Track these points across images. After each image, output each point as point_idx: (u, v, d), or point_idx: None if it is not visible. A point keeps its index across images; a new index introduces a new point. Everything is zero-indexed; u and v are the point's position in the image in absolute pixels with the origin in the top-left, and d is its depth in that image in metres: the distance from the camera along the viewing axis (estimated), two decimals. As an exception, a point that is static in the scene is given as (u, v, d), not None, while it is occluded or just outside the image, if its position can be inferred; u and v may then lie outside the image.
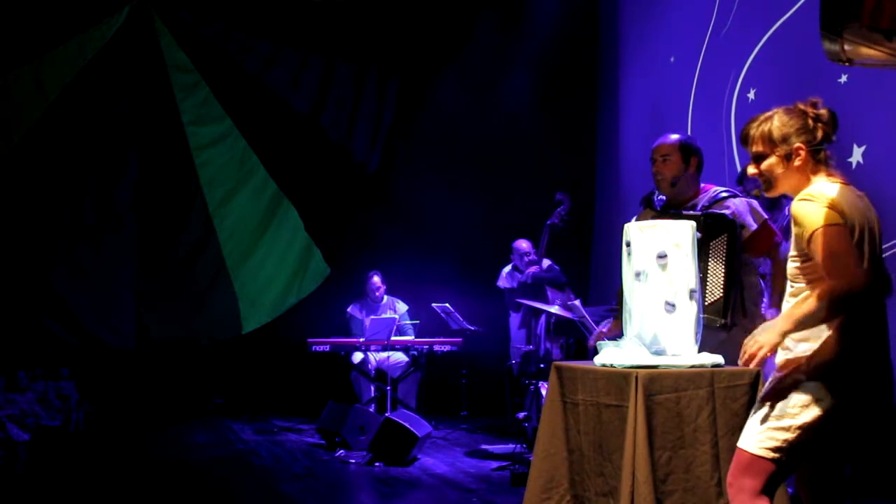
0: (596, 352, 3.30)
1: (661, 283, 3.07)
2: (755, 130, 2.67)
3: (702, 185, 3.86)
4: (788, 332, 2.47)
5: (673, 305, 3.07)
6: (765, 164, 2.66)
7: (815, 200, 2.47)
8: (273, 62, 9.13)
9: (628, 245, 3.16)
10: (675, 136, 3.93)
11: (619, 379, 3.05)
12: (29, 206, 8.51)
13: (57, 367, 8.13)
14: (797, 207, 2.50)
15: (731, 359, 3.01)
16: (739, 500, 2.50)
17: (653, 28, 7.78)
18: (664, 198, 3.87)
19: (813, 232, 2.43)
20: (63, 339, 8.52)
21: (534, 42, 8.62)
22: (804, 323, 2.43)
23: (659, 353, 3.08)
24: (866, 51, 2.54)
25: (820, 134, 2.65)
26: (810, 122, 2.65)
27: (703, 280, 3.37)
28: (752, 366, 2.53)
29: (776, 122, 2.66)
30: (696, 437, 2.99)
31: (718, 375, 3.07)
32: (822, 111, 2.68)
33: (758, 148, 2.67)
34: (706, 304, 3.41)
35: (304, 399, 8.47)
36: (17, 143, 8.48)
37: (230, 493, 5.22)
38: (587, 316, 4.89)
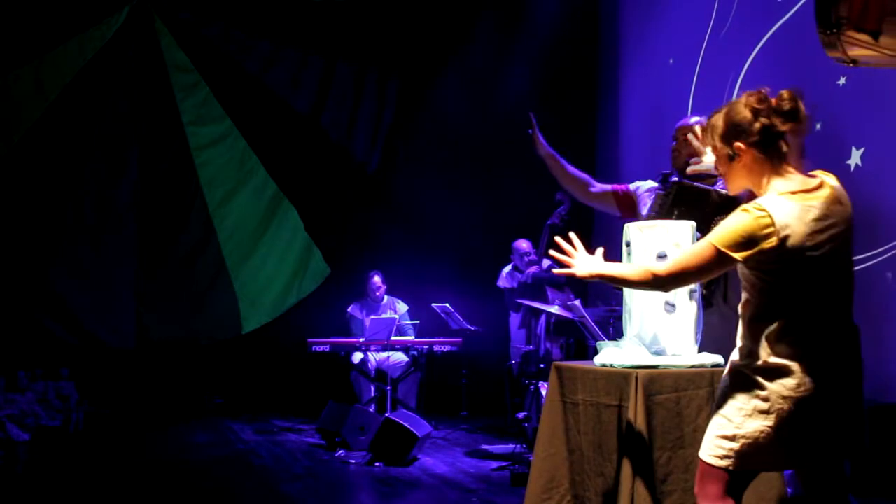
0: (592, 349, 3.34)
1: None
2: (708, 122, 2.56)
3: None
4: (603, 276, 2.67)
5: (673, 305, 3.08)
6: (717, 164, 2.58)
7: (745, 218, 2.38)
8: (273, 62, 9.13)
9: (628, 245, 3.17)
10: (697, 118, 3.94)
11: (619, 379, 3.06)
12: (29, 206, 8.52)
13: (57, 367, 8.14)
14: (733, 214, 2.43)
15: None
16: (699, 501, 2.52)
17: (652, 28, 7.79)
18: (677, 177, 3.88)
19: (710, 240, 2.42)
20: (63, 339, 8.52)
21: (534, 42, 8.63)
22: (617, 279, 2.67)
23: (659, 353, 3.09)
24: (860, 52, 2.55)
25: (758, 126, 2.42)
26: (749, 115, 2.44)
27: None
28: (554, 270, 2.79)
29: (722, 116, 2.50)
30: (696, 437, 2.99)
31: (718, 375, 3.07)
32: (773, 100, 2.44)
33: (706, 143, 2.59)
34: None
35: (304, 399, 8.48)
36: (17, 143, 8.49)
37: (230, 493, 5.22)
38: (587, 316, 4.89)
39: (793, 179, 2.44)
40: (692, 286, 3.07)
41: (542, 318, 6.35)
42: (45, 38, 8.43)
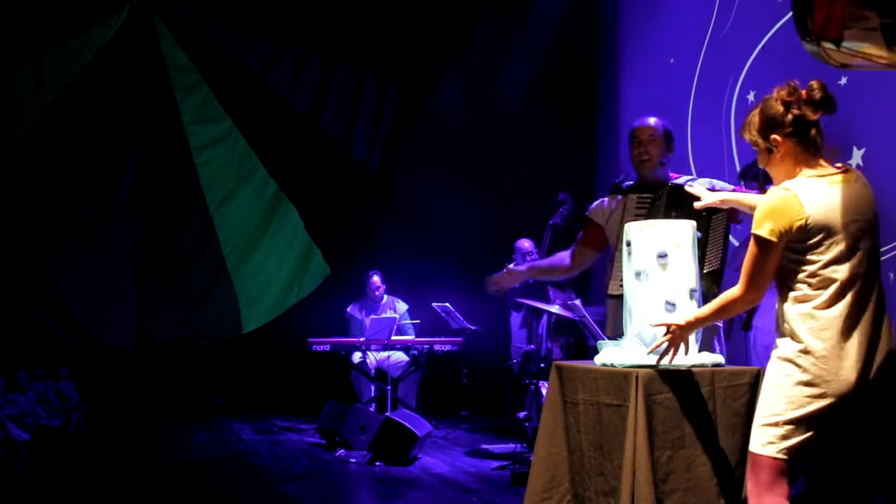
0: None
1: (661, 282, 3.08)
2: (745, 121, 2.68)
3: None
4: (700, 322, 2.77)
5: (673, 305, 3.08)
6: (759, 159, 2.69)
7: (772, 199, 2.54)
8: (273, 62, 9.13)
9: (629, 245, 3.17)
10: (655, 119, 3.94)
11: (620, 378, 3.06)
12: (29, 205, 8.52)
13: (57, 367, 8.14)
14: (763, 197, 2.62)
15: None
16: (752, 496, 2.57)
17: (653, 29, 7.79)
18: (631, 182, 3.90)
19: (751, 231, 2.56)
20: (63, 339, 8.52)
21: (534, 42, 8.63)
22: (713, 318, 2.77)
23: (659, 352, 3.09)
24: (846, 58, 2.57)
25: (790, 118, 2.55)
26: (781, 108, 2.57)
27: (703, 247, 3.44)
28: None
29: (757, 113, 2.63)
30: (697, 437, 2.99)
31: (718, 375, 3.08)
32: (803, 92, 2.57)
33: (747, 139, 2.68)
34: (704, 272, 3.44)
35: (304, 399, 8.48)
36: (18, 142, 8.48)
37: (230, 493, 5.22)
38: (587, 316, 4.89)
39: (822, 167, 2.58)
40: (693, 286, 3.08)
41: (544, 317, 6.35)
42: (45, 38, 8.43)
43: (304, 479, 5.59)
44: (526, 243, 7.24)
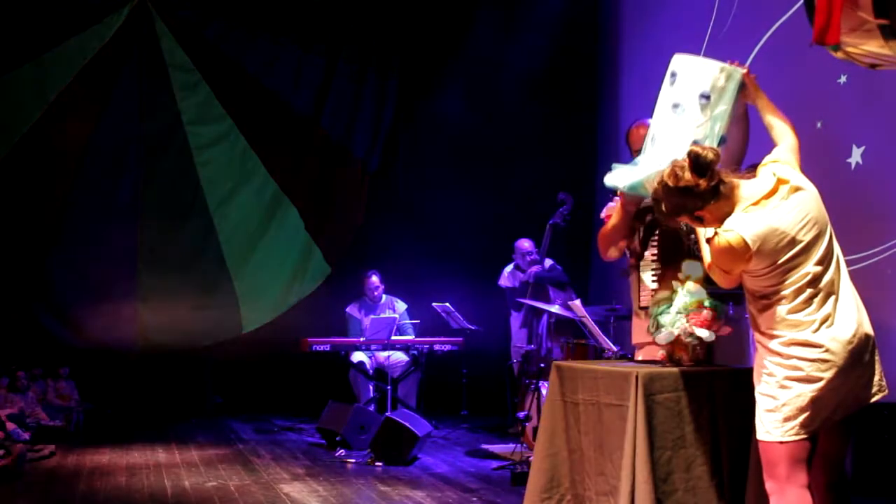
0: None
1: (695, 121, 3.02)
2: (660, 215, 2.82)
3: None
4: None
5: (707, 97, 3.01)
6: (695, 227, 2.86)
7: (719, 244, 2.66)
8: (273, 62, 9.12)
9: (673, 75, 3.10)
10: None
11: (620, 378, 3.06)
12: (29, 206, 8.51)
13: (57, 367, 8.14)
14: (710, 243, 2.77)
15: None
16: (770, 487, 2.61)
17: (653, 28, 7.78)
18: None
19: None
20: (63, 338, 8.52)
21: (534, 42, 8.62)
22: None
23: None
24: (868, 58, 2.60)
25: (697, 195, 2.66)
26: (682, 198, 2.68)
27: None
28: None
29: (666, 211, 2.76)
30: (697, 437, 2.99)
31: (718, 375, 3.08)
32: (681, 175, 2.67)
33: (675, 226, 2.94)
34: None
35: (304, 399, 8.48)
36: (17, 142, 8.48)
37: (230, 492, 5.22)
38: (588, 316, 4.89)
39: (749, 195, 2.67)
40: (723, 133, 3.02)
41: (544, 317, 6.35)
42: (46, 37, 8.42)
43: (304, 479, 5.58)
44: (526, 243, 7.23)
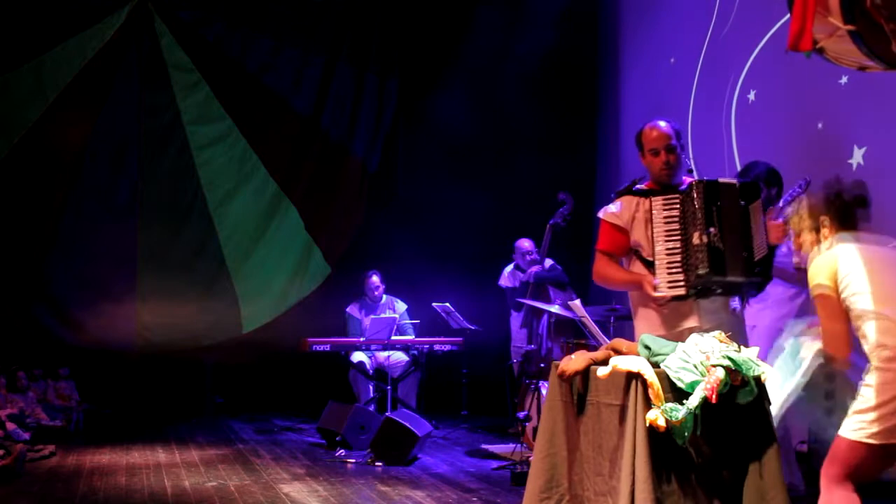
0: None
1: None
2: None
3: None
4: None
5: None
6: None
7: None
8: (273, 62, 9.12)
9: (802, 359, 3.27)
10: (666, 123, 3.83)
11: (620, 379, 3.06)
12: (29, 206, 8.50)
13: (57, 367, 8.13)
14: None
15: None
16: (824, 485, 2.70)
17: (653, 28, 7.79)
18: (642, 186, 3.87)
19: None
20: (63, 338, 8.51)
21: (534, 42, 8.63)
22: None
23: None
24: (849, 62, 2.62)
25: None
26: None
27: (747, 238, 3.51)
28: None
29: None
30: (696, 437, 2.99)
31: (719, 375, 3.07)
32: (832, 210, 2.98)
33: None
34: (756, 259, 3.51)
35: (304, 399, 8.47)
36: (17, 143, 8.48)
37: (230, 493, 5.22)
38: (588, 316, 4.89)
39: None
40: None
41: (544, 317, 6.34)
42: (46, 37, 8.42)
43: (304, 479, 5.58)
44: (526, 243, 7.23)
